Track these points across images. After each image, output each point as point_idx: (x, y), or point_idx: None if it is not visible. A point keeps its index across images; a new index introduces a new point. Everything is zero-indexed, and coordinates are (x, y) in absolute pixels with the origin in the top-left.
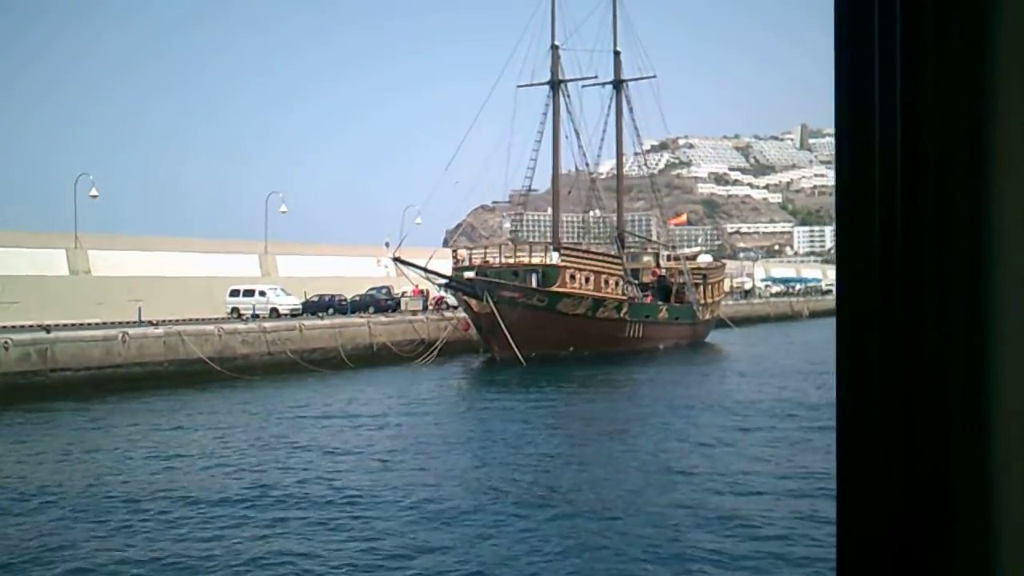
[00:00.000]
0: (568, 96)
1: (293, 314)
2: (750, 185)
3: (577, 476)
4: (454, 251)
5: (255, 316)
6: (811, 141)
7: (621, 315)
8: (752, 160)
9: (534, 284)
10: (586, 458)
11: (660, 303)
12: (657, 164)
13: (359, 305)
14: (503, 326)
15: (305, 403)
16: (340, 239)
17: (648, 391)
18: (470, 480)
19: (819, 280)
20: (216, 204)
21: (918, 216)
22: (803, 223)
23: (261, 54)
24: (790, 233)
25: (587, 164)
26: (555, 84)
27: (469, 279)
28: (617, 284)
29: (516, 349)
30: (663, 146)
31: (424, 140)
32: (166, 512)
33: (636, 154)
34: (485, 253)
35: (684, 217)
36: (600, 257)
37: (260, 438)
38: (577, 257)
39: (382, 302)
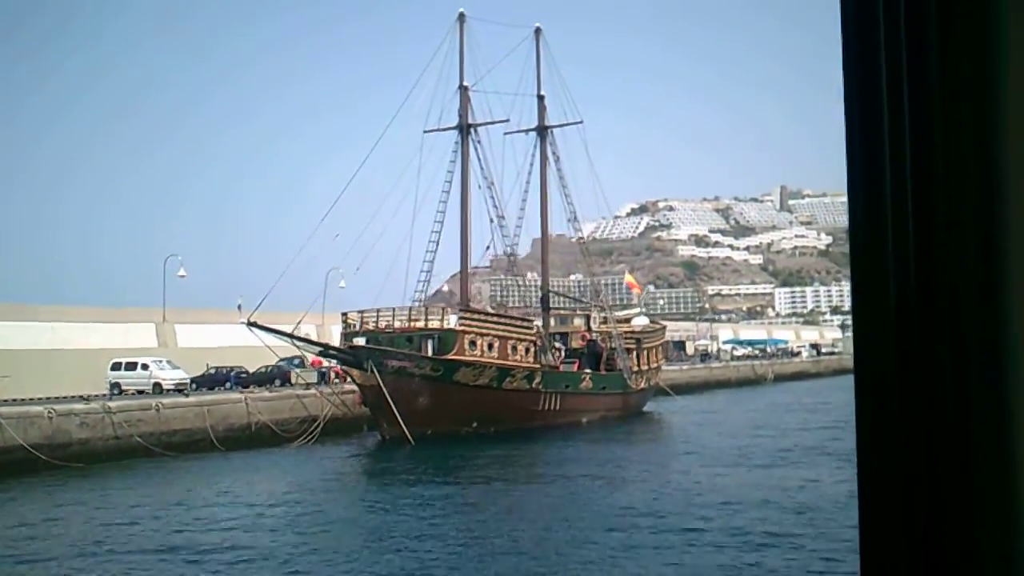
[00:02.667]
0: (479, 142)
1: (179, 389)
2: (731, 247)
3: None
4: (344, 315)
5: (139, 392)
6: (791, 202)
7: (533, 385)
8: (732, 222)
9: (430, 351)
10: None
11: (585, 371)
12: (637, 227)
13: (265, 378)
14: (389, 400)
15: (120, 500)
16: (255, 306)
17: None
18: None
19: (786, 342)
20: (113, 270)
21: (932, 269)
22: (784, 284)
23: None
24: (771, 294)
25: (501, 217)
26: (464, 128)
27: (351, 346)
28: (528, 350)
29: (404, 427)
30: (643, 208)
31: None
32: None
33: (570, 221)
34: (378, 316)
35: (628, 277)
36: (507, 320)
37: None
38: (478, 321)
39: (291, 375)
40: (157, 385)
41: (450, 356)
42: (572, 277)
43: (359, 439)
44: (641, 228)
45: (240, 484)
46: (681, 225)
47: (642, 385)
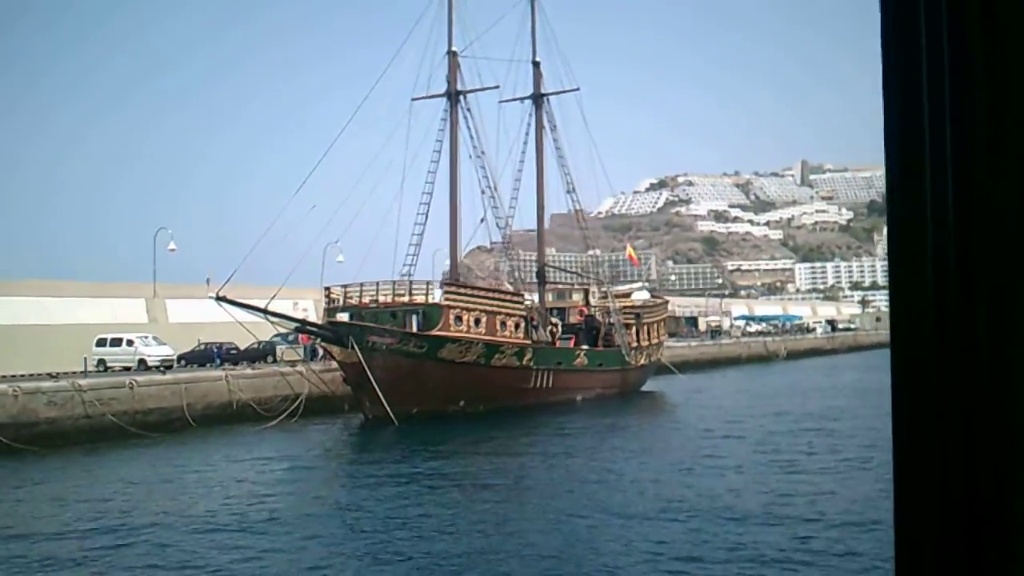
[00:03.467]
0: (469, 110)
1: (164, 366)
2: (750, 222)
3: None
4: (327, 289)
5: (126, 369)
6: (812, 177)
7: (523, 362)
8: (753, 197)
9: (415, 327)
10: None
11: (580, 347)
12: (656, 202)
13: (256, 355)
14: (371, 378)
15: (73, 482)
16: (253, 279)
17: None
18: None
19: (800, 318)
20: (109, 246)
21: (970, 247)
22: (804, 259)
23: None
24: (791, 270)
25: (493, 188)
26: (452, 95)
27: (331, 322)
28: (518, 326)
29: (387, 406)
30: (662, 184)
31: (333, 170)
32: None
33: (569, 192)
34: (361, 291)
35: (629, 250)
36: (495, 295)
37: None
38: (464, 295)
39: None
40: (142, 361)
41: (434, 332)
42: (590, 252)
43: (343, 419)
44: (660, 203)
45: (202, 465)
46: (700, 200)
47: (642, 362)
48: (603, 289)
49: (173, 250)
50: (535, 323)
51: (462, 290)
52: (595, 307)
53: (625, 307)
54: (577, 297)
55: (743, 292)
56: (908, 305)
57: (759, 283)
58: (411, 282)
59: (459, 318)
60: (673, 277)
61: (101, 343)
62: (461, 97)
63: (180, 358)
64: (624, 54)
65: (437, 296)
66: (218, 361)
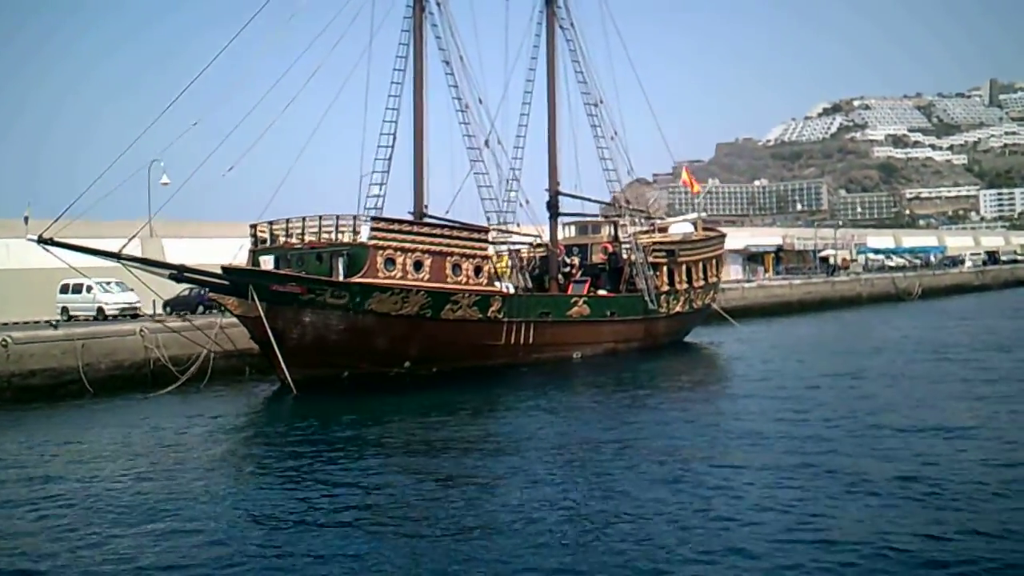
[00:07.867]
0: (438, 4)
1: (128, 314)
2: (932, 147)
3: None
4: (252, 227)
5: (95, 319)
6: (1001, 97)
7: (488, 314)
8: (935, 120)
9: (341, 272)
10: None
11: (582, 295)
12: (828, 128)
13: None
14: (271, 336)
15: None
16: (268, 214)
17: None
18: None
19: (940, 249)
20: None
21: None
22: (991, 186)
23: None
24: (976, 197)
25: (480, 102)
26: None
27: (225, 268)
28: (478, 271)
29: (286, 370)
30: (836, 108)
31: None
32: None
33: (590, 105)
34: (287, 229)
35: (685, 175)
36: (444, 233)
37: None
38: (399, 233)
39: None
40: (100, 310)
41: (357, 279)
42: (756, 183)
43: (252, 385)
44: (833, 129)
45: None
46: (877, 125)
47: (676, 308)
48: (650, 222)
49: (166, 184)
50: (529, 267)
51: (396, 227)
52: (626, 243)
53: (656, 243)
54: (606, 231)
55: (922, 222)
56: None
57: (941, 211)
58: (338, 217)
59: (391, 261)
60: (841, 207)
61: (64, 289)
62: None
63: (166, 304)
64: None
65: (365, 234)
66: (203, 308)
